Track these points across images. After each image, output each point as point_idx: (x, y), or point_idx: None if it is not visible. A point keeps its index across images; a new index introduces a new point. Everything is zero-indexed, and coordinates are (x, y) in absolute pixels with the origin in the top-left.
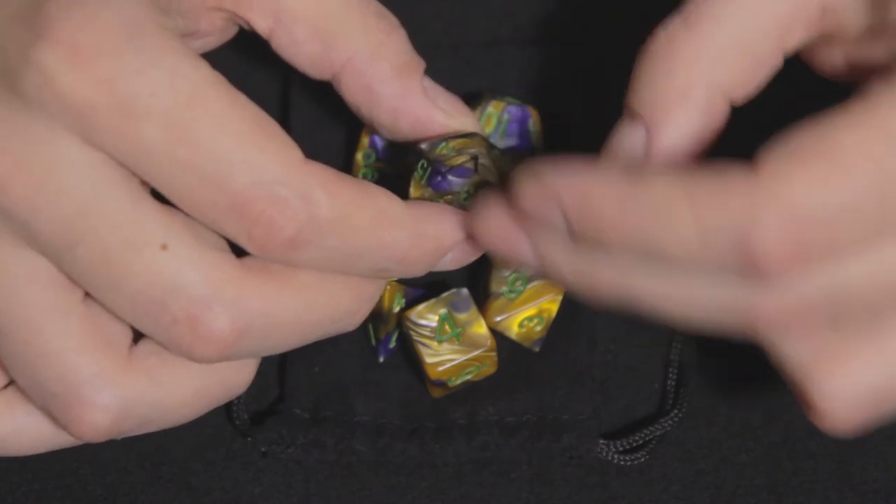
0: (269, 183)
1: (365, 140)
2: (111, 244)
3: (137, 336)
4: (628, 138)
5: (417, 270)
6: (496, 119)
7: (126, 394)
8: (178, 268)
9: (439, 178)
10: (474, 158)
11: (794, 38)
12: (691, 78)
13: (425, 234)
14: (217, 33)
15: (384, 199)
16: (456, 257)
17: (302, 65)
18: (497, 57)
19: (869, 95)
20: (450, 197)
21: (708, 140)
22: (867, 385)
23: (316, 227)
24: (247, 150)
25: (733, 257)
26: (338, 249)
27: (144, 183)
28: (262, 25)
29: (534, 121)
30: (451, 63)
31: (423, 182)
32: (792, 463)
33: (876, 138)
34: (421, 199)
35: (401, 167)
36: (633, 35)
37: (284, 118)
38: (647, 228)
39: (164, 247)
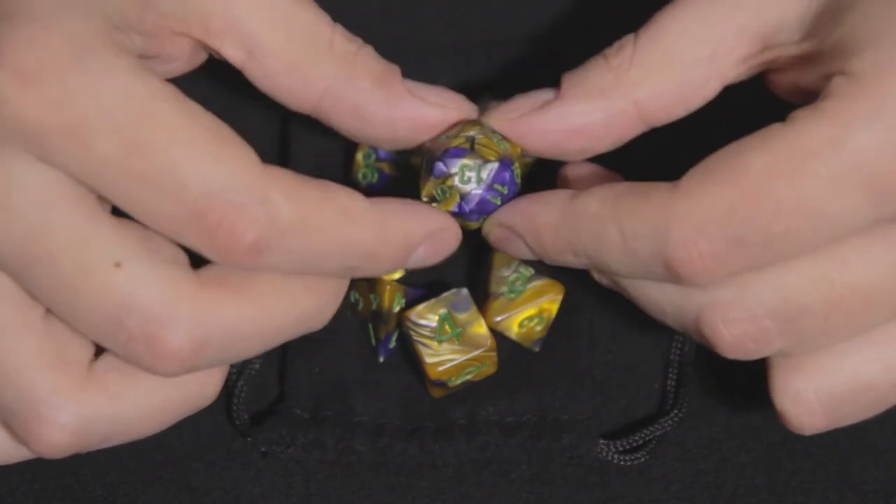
0: (226, 190)
1: None
2: (64, 264)
3: (100, 348)
4: (543, 97)
5: (387, 267)
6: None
7: (84, 411)
8: (132, 286)
9: (436, 163)
10: (470, 140)
11: (732, 71)
12: (608, 85)
13: (391, 229)
14: (184, 59)
15: (346, 198)
16: (427, 253)
17: (279, 96)
18: (497, 57)
19: (792, 119)
20: (450, 181)
21: (601, 140)
22: (824, 390)
23: (277, 230)
24: (201, 159)
25: (656, 265)
26: (302, 251)
27: (103, 199)
28: (234, 56)
29: None
30: (451, 63)
31: (428, 176)
32: (792, 463)
33: (784, 161)
34: (431, 196)
35: (402, 167)
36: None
37: (285, 120)
38: (584, 242)
39: (117, 265)
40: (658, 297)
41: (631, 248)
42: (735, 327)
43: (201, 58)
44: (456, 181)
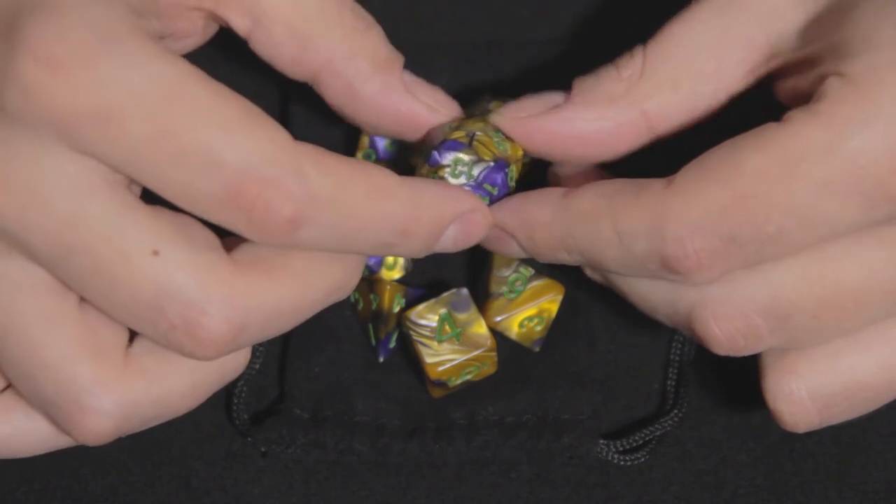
0: (261, 166)
1: (365, 140)
2: (102, 254)
3: (133, 332)
4: (553, 100)
5: (421, 245)
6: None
7: (126, 397)
8: (170, 273)
9: (433, 152)
10: (470, 135)
11: (740, 83)
12: (618, 94)
13: (423, 206)
14: (197, 33)
15: (377, 173)
16: (458, 235)
17: (281, 65)
18: (497, 57)
19: (787, 120)
20: (441, 172)
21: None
22: (817, 389)
23: (313, 203)
24: (233, 137)
25: (651, 262)
26: (337, 226)
27: (133, 185)
28: (240, 25)
29: None
30: (451, 63)
31: (423, 162)
32: (792, 463)
33: (778, 163)
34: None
35: (402, 167)
36: (633, 35)
37: (284, 119)
38: (577, 239)
39: (155, 252)
40: (650, 294)
41: (626, 245)
42: (726, 324)
43: (212, 31)
44: (447, 173)
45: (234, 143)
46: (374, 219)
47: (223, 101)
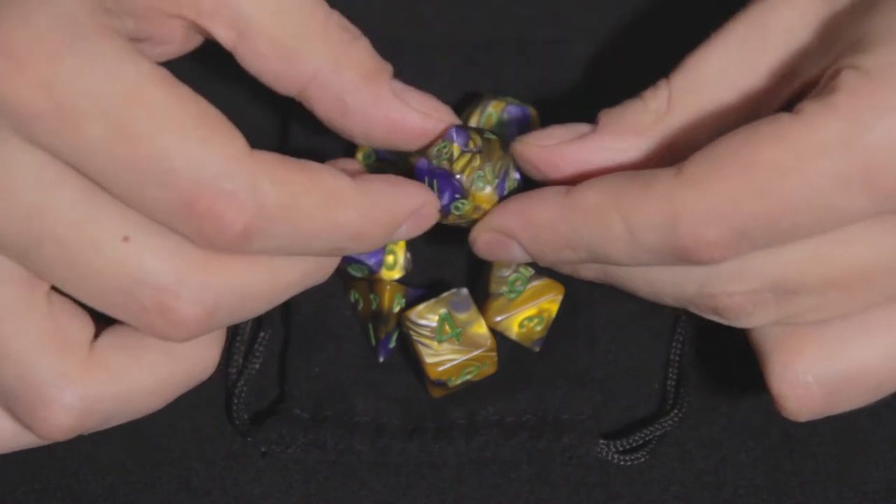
0: (215, 177)
1: None
2: (72, 242)
3: (99, 328)
4: (580, 130)
5: (373, 245)
6: (496, 119)
7: (88, 392)
8: (141, 258)
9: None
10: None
11: (766, 111)
12: (646, 127)
13: (377, 208)
14: (177, 42)
15: (332, 180)
16: (410, 228)
17: (267, 80)
18: (497, 57)
19: (801, 112)
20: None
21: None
22: (824, 374)
23: (265, 217)
24: (189, 145)
25: (664, 254)
26: (290, 235)
27: None
28: (225, 38)
29: (534, 121)
30: (451, 63)
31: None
32: (792, 463)
33: (794, 155)
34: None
35: (401, 167)
36: (632, 35)
37: (285, 118)
38: (584, 235)
39: (125, 238)
40: (655, 279)
41: (637, 239)
42: (736, 296)
43: (195, 41)
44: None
45: (189, 152)
46: (328, 227)
47: (182, 107)
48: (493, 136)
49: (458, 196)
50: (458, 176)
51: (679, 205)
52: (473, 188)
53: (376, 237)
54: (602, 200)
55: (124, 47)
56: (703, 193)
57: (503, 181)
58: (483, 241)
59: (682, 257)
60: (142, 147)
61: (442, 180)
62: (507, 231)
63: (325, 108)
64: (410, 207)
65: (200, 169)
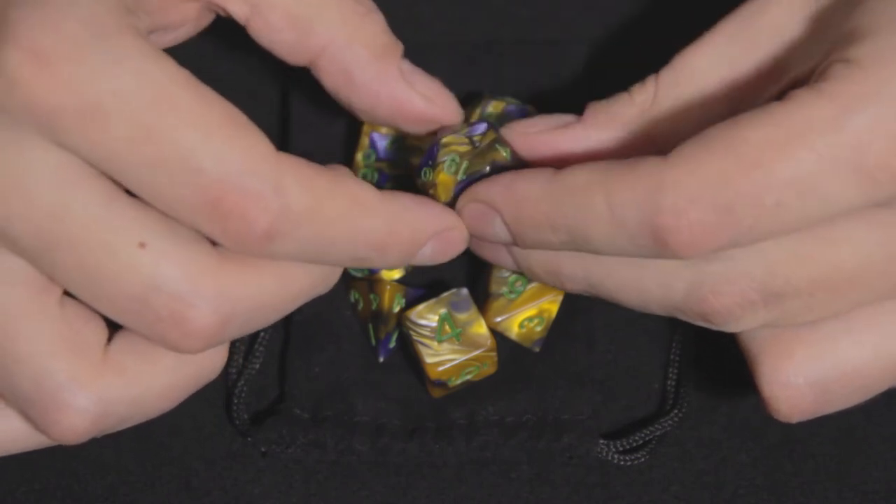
0: (240, 176)
1: (365, 140)
2: (87, 247)
3: (112, 331)
4: (565, 119)
5: (396, 260)
6: (496, 119)
7: (102, 395)
8: (156, 265)
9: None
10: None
11: (749, 105)
12: (630, 118)
13: (401, 222)
14: (191, 22)
15: (357, 188)
16: (435, 251)
17: (279, 51)
18: (497, 57)
19: (790, 98)
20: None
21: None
22: (814, 375)
23: (289, 218)
24: (215, 145)
25: (644, 237)
26: (312, 240)
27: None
28: (238, 12)
29: None
30: (451, 63)
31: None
32: (792, 463)
33: (782, 134)
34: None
35: (402, 167)
36: (632, 35)
37: (285, 118)
38: (566, 213)
39: (141, 245)
40: (642, 282)
41: (617, 218)
42: (724, 298)
43: (207, 20)
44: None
45: (215, 151)
46: (350, 234)
47: (208, 107)
48: (500, 148)
49: (430, 162)
50: (439, 144)
51: (663, 181)
52: (441, 164)
53: (398, 252)
54: (589, 179)
55: (148, 48)
56: (691, 171)
57: (465, 183)
58: (468, 211)
59: (660, 240)
60: (168, 147)
61: (434, 145)
62: (490, 202)
63: (332, 79)
64: (435, 227)
65: (226, 168)
